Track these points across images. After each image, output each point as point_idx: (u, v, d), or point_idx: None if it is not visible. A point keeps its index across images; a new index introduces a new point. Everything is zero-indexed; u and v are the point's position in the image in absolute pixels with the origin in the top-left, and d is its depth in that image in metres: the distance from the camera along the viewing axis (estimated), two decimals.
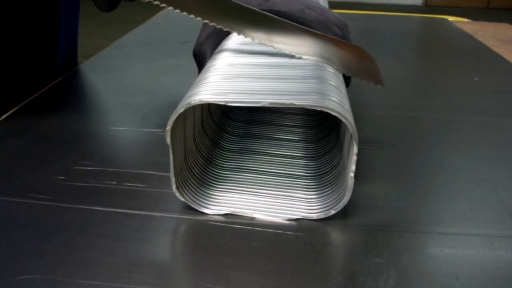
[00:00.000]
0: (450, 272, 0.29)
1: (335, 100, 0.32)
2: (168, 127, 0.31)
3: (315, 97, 0.31)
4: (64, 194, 0.36)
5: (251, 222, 0.33)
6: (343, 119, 0.30)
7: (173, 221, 0.33)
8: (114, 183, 0.37)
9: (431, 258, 0.30)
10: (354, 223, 0.33)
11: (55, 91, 0.57)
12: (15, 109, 0.51)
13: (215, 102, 0.31)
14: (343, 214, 0.34)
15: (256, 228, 0.32)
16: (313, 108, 0.30)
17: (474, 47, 0.82)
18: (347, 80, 0.46)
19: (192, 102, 0.31)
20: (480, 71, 0.68)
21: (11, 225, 0.32)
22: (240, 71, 0.35)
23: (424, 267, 0.29)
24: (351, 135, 0.31)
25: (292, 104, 0.30)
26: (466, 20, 1.10)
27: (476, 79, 0.65)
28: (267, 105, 0.30)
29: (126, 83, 0.60)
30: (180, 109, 0.31)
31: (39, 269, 0.28)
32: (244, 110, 0.47)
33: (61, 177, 0.38)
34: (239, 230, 0.32)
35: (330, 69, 0.37)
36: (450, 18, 1.07)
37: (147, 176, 0.37)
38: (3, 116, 0.49)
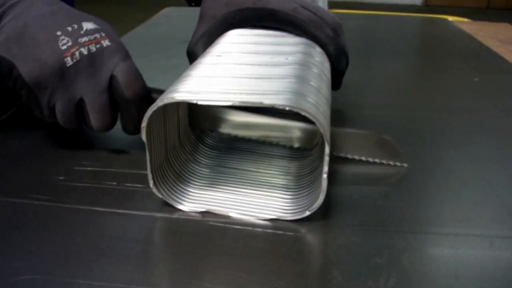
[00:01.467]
0: (450, 272, 0.29)
1: (310, 101, 0.31)
2: (143, 124, 0.31)
3: (288, 96, 0.31)
4: (64, 194, 0.36)
5: (251, 223, 0.33)
6: (314, 120, 0.30)
7: (173, 221, 0.33)
8: (114, 183, 0.37)
9: (431, 258, 0.30)
10: (354, 223, 0.33)
11: None
12: (15, 109, 0.51)
13: (187, 101, 0.31)
14: (343, 214, 0.34)
15: (256, 229, 0.32)
16: (283, 107, 0.30)
17: (474, 47, 0.82)
18: (337, 81, 0.46)
19: (165, 100, 0.31)
20: (480, 71, 0.68)
21: (11, 225, 0.32)
22: (220, 71, 0.35)
23: (424, 267, 0.29)
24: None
25: (261, 103, 0.30)
26: (466, 20, 1.10)
27: (476, 79, 0.65)
28: (237, 104, 0.30)
29: None
30: (154, 107, 0.31)
31: (39, 269, 0.28)
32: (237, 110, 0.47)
33: (61, 177, 0.38)
34: (239, 230, 0.32)
35: (315, 69, 0.37)
36: (450, 18, 1.07)
37: (147, 176, 0.37)
38: (3, 116, 0.49)
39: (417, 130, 0.49)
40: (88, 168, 0.39)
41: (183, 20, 0.92)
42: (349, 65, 0.46)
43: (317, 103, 0.32)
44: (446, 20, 1.05)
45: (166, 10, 1.03)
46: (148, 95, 0.40)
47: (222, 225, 0.33)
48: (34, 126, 0.47)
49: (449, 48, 0.82)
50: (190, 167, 0.38)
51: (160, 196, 0.34)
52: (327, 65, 0.41)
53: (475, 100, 0.57)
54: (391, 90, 0.61)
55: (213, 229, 0.32)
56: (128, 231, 0.32)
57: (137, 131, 0.40)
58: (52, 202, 0.35)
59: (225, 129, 0.43)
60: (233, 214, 0.33)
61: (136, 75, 0.40)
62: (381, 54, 0.78)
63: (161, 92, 0.41)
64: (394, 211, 0.35)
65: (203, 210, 0.34)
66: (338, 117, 0.50)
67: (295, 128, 0.42)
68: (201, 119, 0.42)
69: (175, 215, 0.34)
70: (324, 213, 0.33)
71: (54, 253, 0.30)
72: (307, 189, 0.35)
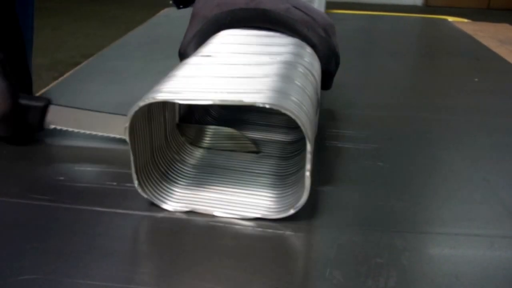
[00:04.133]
0: (450, 272, 0.29)
1: (293, 100, 0.31)
2: (126, 125, 0.31)
3: (269, 95, 0.31)
4: (64, 194, 0.36)
5: (252, 223, 0.33)
6: (294, 118, 0.30)
7: (174, 221, 0.33)
8: (114, 183, 0.37)
9: (431, 258, 0.30)
10: (355, 223, 0.33)
11: (54, 91, 0.57)
12: None
13: (168, 100, 0.31)
14: (343, 214, 0.34)
15: (256, 229, 0.32)
16: (263, 105, 0.30)
17: (474, 47, 0.82)
18: (327, 82, 0.46)
19: (147, 100, 0.31)
20: (480, 71, 0.68)
21: (11, 225, 0.32)
22: (204, 71, 0.35)
23: (424, 267, 0.29)
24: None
25: (241, 101, 0.30)
26: (466, 20, 1.10)
27: (476, 79, 0.65)
28: (217, 103, 0.30)
29: (126, 83, 0.60)
30: (136, 107, 0.31)
31: (39, 269, 0.28)
32: (227, 110, 0.47)
33: (61, 177, 0.38)
34: (239, 230, 0.32)
35: (301, 69, 0.37)
36: (450, 19, 1.07)
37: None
38: None
39: (417, 130, 0.49)
40: (88, 168, 0.39)
41: (183, 20, 0.92)
42: (341, 65, 0.46)
43: (300, 102, 0.32)
44: (446, 20, 1.05)
45: (166, 11, 1.03)
46: (17, 110, 0.41)
47: (223, 225, 0.33)
48: None
49: (449, 48, 0.82)
50: (176, 166, 0.38)
51: (145, 196, 0.34)
52: (316, 66, 0.41)
53: (475, 100, 0.57)
54: (391, 90, 0.61)
55: (214, 229, 0.32)
56: (128, 231, 0.32)
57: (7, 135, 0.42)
58: (52, 202, 0.35)
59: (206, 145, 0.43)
60: (217, 213, 0.33)
61: (3, 94, 0.40)
62: (381, 54, 0.78)
63: (31, 99, 0.43)
64: (394, 211, 0.35)
65: (188, 209, 0.34)
66: (337, 117, 0.50)
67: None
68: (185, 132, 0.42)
69: (176, 215, 0.34)
70: (324, 213, 0.33)
71: (54, 253, 0.30)
72: (292, 188, 0.35)
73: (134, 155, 0.32)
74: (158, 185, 0.35)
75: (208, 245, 0.31)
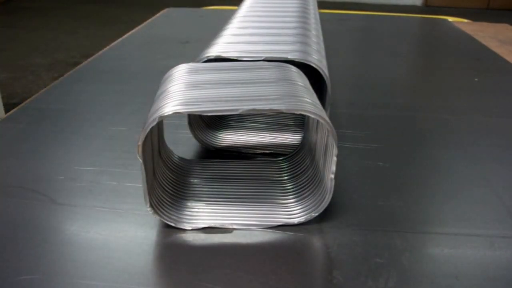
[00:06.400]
0: (450, 272, 0.29)
1: (309, 101, 0.31)
2: (140, 142, 0.29)
3: (290, 100, 0.30)
4: (64, 194, 0.36)
5: None
6: (322, 121, 0.30)
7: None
8: (114, 183, 0.37)
9: (431, 258, 0.30)
10: (354, 223, 0.33)
11: (54, 91, 0.57)
12: (15, 109, 0.51)
13: (190, 113, 0.29)
14: (343, 214, 0.34)
15: (256, 229, 0.32)
16: (292, 112, 0.30)
17: (474, 47, 0.82)
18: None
19: (166, 113, 0.29)
20: (480, 71, 0.68)
21: (11, 225, 0.32)
22: (202, 77, 0.34)
23: (424, 267, 0.29)
24: (327, 135, 0.31)
25: (270, 109, 0.29)
26: (466, 20, 1.10)
27: (476, 79, 0.65)
28: (244, 112, 0.29)
29: (126, 83, 0.60)
30: (153, 122, 0.29)
31: (39, 269, 0.28)
32: (215, 116, 0.45)
33: (61, 177, 0.38)
34: (239, 230, 0.32)
35: (294, 69, 0.37)
36: (450, 19, 1.07)
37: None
38: (3, 117, 0.49)
39: (417, 130, 0.49)
40: (88, 168, 0.39)
41: (182, 21, 0.92)
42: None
43: (314, 102, 0.32)
44: (446, 20, 1.05)
45: (166, 11, 1.03)
46: None
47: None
48: (34, 126, 0.47)
49: (449, 49, 0.82)
50: (182, 183, 0.36)
51: (159, 218, 0.32)
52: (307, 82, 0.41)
53: (475, 100, 0.57)
54: (391, 90, 0.61)
55: (213, 229, 0.32)
56: (128, 231, 0.32)
57: None
58: (52, 202, 0.35)
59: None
60: (238, 226, 0.32)
61: None
62: (381, 54, 0.78)
63: None
64: (394, 211, 0.35)
65: (205, 226, 0.33)
66: (338, 117, 0.50)
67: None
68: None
69: None
70: (324, 213, 0.33)
71: (54, 253, 0.30)
72: (307, 190, 0.35)
73: (147, 175, 0.30)
74: (169, 205, 0.33)
75: (208, 245, 0.31)
